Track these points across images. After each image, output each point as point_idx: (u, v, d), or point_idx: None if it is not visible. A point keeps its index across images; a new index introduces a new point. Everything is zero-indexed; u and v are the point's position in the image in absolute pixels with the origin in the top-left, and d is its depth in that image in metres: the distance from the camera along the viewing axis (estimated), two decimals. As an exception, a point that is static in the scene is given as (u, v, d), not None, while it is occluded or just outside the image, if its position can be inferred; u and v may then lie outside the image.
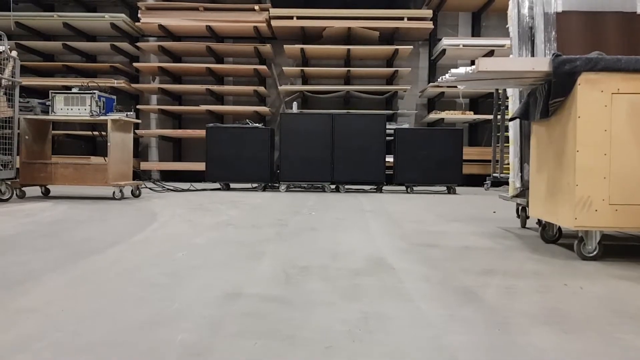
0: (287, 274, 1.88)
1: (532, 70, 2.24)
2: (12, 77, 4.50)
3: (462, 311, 1.45)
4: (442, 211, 4.24)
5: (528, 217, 3.29)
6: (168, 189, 6.17)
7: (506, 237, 2.87)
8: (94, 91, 4.69)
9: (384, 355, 1.13)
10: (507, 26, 3.00)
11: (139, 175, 7.05)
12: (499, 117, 4.03)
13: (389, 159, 6.66)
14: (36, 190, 5.32)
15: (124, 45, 8.31)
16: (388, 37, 8.40)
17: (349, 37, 8.27)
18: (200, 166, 7.30)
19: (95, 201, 4.60)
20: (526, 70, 2.26)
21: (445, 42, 7.83)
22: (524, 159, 2.96)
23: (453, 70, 2.50)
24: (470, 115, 7.93)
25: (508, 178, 3.30)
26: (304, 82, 8.64)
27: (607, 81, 2.17)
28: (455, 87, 5.63)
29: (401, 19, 7.80)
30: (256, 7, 7.79)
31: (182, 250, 2.31)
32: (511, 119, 2.96)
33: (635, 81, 2.16)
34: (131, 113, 4.94)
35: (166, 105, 8.52)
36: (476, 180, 7.85)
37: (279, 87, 8.47)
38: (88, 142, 8.79)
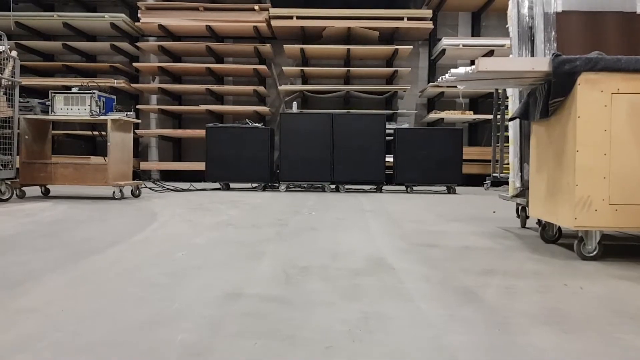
0: (287, 274, 1.88)
1: (532, 70, 2.24)
2: (12, 77, 4.50)
3: (462, 311, 1.45)
4: (442, 211, 4.24)
5: (528, 217, 3.29)
6: (168, 189, 6.17)
7: (506, 237, 2.87)
8: (94, 91, 4.69)
9: (384, 355, 1.13)
10: (507, 26, 3.00)
11: (139, 175, 7.05)
12: (498, 117, 4.03)
13: (389, 158, 6.66)
14: (36, 190, 5.32)
15: (124, 45, 8.30)
16: (388, 37, 8.40)
17: (348, 37, 8.27)
18: (200, 166, 7.30)
19: (95, 201, 4.60)
20: (526, 70, 2.26)
21: (445, 42, 7.83)
22: (523, 158, 2.96)
23: (453, 70, 2.50)
24: (470, 115, 7.94)
25: (508, 178, 3.30)
26: (304, 82, 8.64)
27: (607, 81, 2.17)
28: (455, 87, 5.63)
29: (401, 18, 7.80)
30: (256, 7, 7.79)
31: (182, 250, 2.31)
32: (511, 119, 2.96)
33: (635, 81, 2.16)
34: (131, 113, 4.94)
35: (166, 105, 8.52)
36: (476, 180, 7.85)
37: (278, 87, 8.47)
38: (88, 142, 8.79)
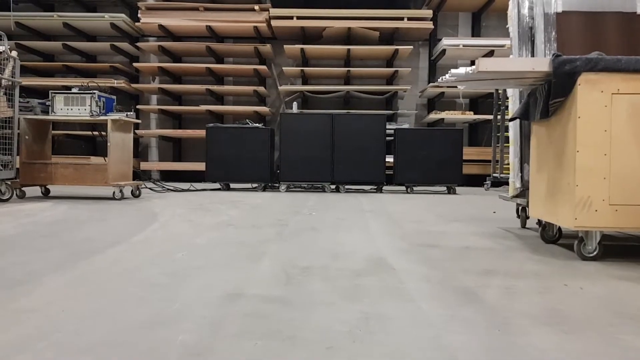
0: (287, 274, 1.88)
1: (532, 70, 2.24)
2: (12, 77, 4.50)
3: (462, 311, 1.45)
4: (442, 211, 4.24)
5: (528, 218, 3.29)
6: (168, 189, 6.17)
7: (506, 238, 2.87)
8: (94, 91, 4.69)
9: (384, 356, 1.13)
10: (507, 26, 3.00)
11: (139, 175, 7.05)
12: (499, 117, 4.03)
13: (389, 159, 6.66)
14: (36, 191, 5.32)
15: (124, 45, 8.31)
16: (388, 37, 8.40)
17: (349, 37, 8.27)
18: (200, 166, 7.30)
19: (95, 201, 4.60)
20: (526, 71, 2.26)
21: (445, 42, 7.83)
22: (524, 159, 2.96)
23: (453, 71, 2.51)
24: (470, 116, 7.94)
25: (508, 178, 3.30)
26: (304, 82, 8.64)
27: (607, 81, 2.17)
28: (455, 87, 5.64)
29: (401, 19, 7.80)
30: (256, 7, 7.79)
31: (182, 251, 2.31)
32: (511, 119, 2.96)
33: (635, 81, 2.16)
34: (131, 113, 4.94)
35: (166, 105, 8.52)
36: (476, 181, 7.85)
37: (279, 87, 8.47)
38: (88, 142, 8.79)
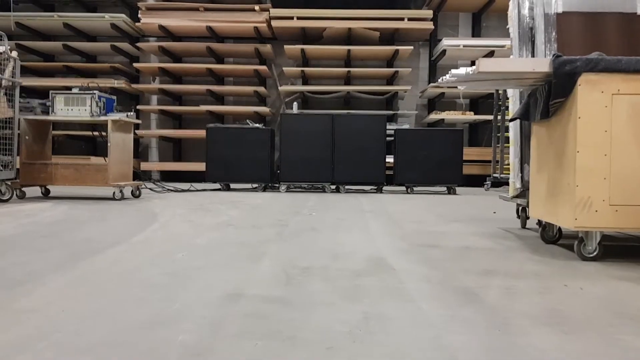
0: (287, 275, 1.88)
1: (533, 71, 2.24)
2: (13, 77, 4.50)
3: (462, 312, 1.45)
4: (443, 211, 4.24)
5: (528, 218, 3.29)
6: (168, 190, 6.17)
7: (506, 238, 2.87)
8: (94, 91, 4.69)
9: (384, 356, 1.13)
10: (507, 27, 3.00)
11: (139, 175, 7.05)
12: (499, 117, 4.04)
13: (389, 159, 6.67)
14: (36, 191, 5.32)
15: (124, 46, 8.31)
16: (388, 37, 8.40)
17: (349, 37, 8.27)
18: (201, 166, 7.30)
19: (96, 201, 4.60)
20: (526, 71, 2.26)
21: (446, 42, 7.83)
22: (524, 159, 2.96)
23: (453, 71, 2.51)
24: (471, 116, 7.94)
25: (508, 178, 3.30)
26: (304, 83, 8.65)
27: (607, 82, 2.17)
28: (456, 87, 5.64)
29: (401, 19, 7.80)
30: (256, 7, 7.79)
31: (182, 251, 2.31)
32: (511, 120, 2.96)
33: (635, 82, 2.16)
34: (131, 113, 4.94)
35: (166, 106, 8.53)
36: (476, 181, 7.85)
37: (279, 88, 8.47)
38: (88, 142, 8.80)
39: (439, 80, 2.86)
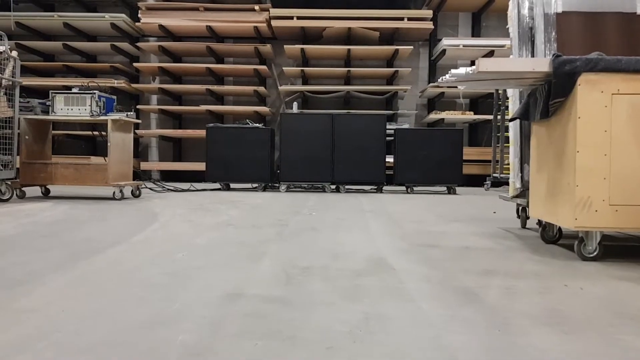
0: (287, 275, 1.88)
1: (532, 70, 2.24)
2: (13, 77, 4.50)
3: (462, 311, 1.45)
4: (443, 211, 4.24)
5: (528, 218, 3.29)
6: (168, 189, 6.17)
7: (506, 238, 2.87)
8: (94, 91, 4.69)
9: (384, 356, 1.13)
10: (507, 27, 3.00)
11: (139, 175, 7.05)
12: (499, 117, 4.03)
13: (389, 159, 6.67)
14: (36, 191, 5.32)
15: (124, 46, 8.31)
16: (388, 37, 8.40)
17: (349, 37, 8.27)
18: (201, 166, 7.30)
19: (96, 201, 4.60)
20: (526, 71, 2.26)
21: (446, 42, 7.83)
22: (524, 159, 2.96)
23: (453, 71, 2.51)
24: (470, 116, 7.94)
25: (508, 178, 3.30)
26: (304, 82, 8.64)
27: (607, 82, 2.17)
28: (456, 87, 5.64)
29: (401, 19, 7.80)
30: (256, 7, 7.79)
31: (182, 251, 2.31)
32: (511, 120, 2.96)
33: (635, 82, 2.16)
34: (131, 113, 4.94)
35: (166, 105, 8.52)
36: (476, 181, 7.85)
37: (279, 87, 8.47)
38: (88, 142, 8.80)
39: (438, 80, 2.86)
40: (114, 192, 4.87)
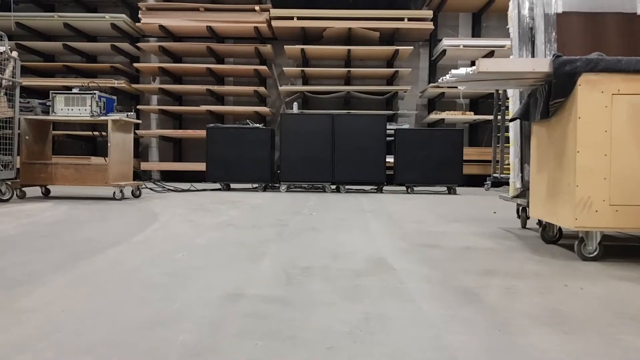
0: (288, 275, 1.88)
1: (533, 71, 2.24)
2: (13, 77, 4.50)
3: (462, 312, 1.45)
4: (443, 211, 4.24)
5: (528, 218, 3.29)
6: (168, 190, 6.17)
7: (507, 238, 2.87)
8: (95, 91, 4.69)
9: (384, 356, 1.13)
10: (507, 27, 3.00)
11: (139, 175, 7.06)
12: (499, 117, 4.04)
13: (390, 159, 6.67)
14: (36, 191, 5.32)
15: (125, 46, 8.31)
16: (388, 37, 8.40)
17: (349, 37, 8.27)
18: (201, 166, 7.30)
19: (96, 201, 4.60)
20: (526, 71, 2.26)
21: (446, 42, 7.83)
22: (524, 159, 2.96)
23: (453, 71, 2.51)
24: (471, 116, 7.94)
25: (508, 178, 3.30)
26: (305, 83, 8.65)
27: (607, 82, 2.17)
28: (456, 87, 5.64)
29: (401, 19, 7.80)
30: (256, 7, 7.79)
31: (182, 251, 2.31)
32: (511, 120, 2.96)
33: (635, 82, 2.16)
34: (131, 113, 4.94)
35: (166, 106, 8.53)
36: (476, 181, 7.86)
37: (279, 88, 8.47)
38: (88, 142, 8.80)
39: (439, 80, 2.86)
40: (114, 192, 4.87)
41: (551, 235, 2.72)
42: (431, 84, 8.07)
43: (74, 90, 4.78)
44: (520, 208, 3.36)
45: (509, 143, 3.19)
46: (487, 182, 4.16)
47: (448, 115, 7.87)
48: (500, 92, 4.04)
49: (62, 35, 8.64)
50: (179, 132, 8.34)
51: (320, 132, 6.33)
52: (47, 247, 2.36)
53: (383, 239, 2.75)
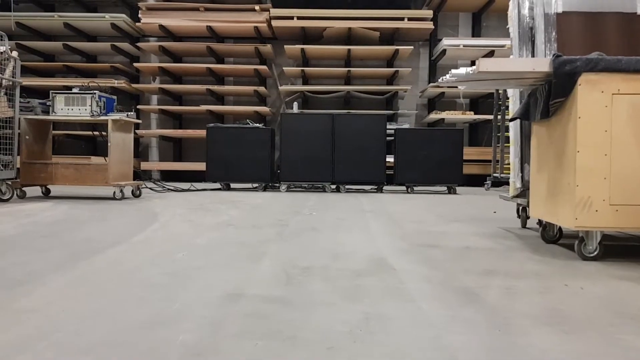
0: (288, 275, 1.88)
1: (533, 70, 2.24)
2: (13, 77, 4.50)
3: (463, 312, 1.45)
4: (443, 211, 4.24)
5: (528, 218, 3.29)
6: (168, 189, 6.17)
7: (507, 238, 2.87)
8: (95, 91, 4.69)
9: (384, 356, 1.13)
10: (507, 27, 3.00)
11: (140, 175, 7.05)
12: (499, 117, 4.03)
13: (390, 159, 6.67)
14: (37, 191, 5.32)
15: (125, 46, 8.31)
16: (388, 37, 8.40)
17: (349, 37, 8.27)
18: (201, 166, 7.30)
19: (96, 201, 4.60)
20: (526, 71, 2.26)
21: (446, 42, 7.83)
22: (524, 159, 2.96)
23: (453, 71, 2.50)
24: (471, 116, 7.94)
25: (508, 178, 3.30)
26: (305, 82, 8.64)
27: (607, 82, 2.17)
28: (456, 87, 5.64)
29: (401, 19, 7.80)
30: (256, 7, 7.79)
31: (182, 251, 2.31)
32: (511, 119, 2.96)
33: (635, 82, 2.16)
34: (131, 113, 4.94)
35: (167, 106, 8.53)
36: (476, 181, 7.85)
37: (279, 87, 8.47)
38: (88, 142, 8.80)
39: (439, 80, 2.86)
40: (114, 192, 4.87)
41: (551, 235, 2.72)
42: (431, 84, 8.07)
43: (74, 90, 4.78)
44: (521, 208, 3.36)
45: (509, 143, 3.19)
46: (487, 182, 4.16)
47: (448, 115, 7.87)
48: (500, 91, 4.04)
49: (62, 35, 8.64)
50: (179, 132, 8.34)
51: (320, 131, 6.33)
52: (47, 247, 2.36)
53: (383, 239, 2.75)
